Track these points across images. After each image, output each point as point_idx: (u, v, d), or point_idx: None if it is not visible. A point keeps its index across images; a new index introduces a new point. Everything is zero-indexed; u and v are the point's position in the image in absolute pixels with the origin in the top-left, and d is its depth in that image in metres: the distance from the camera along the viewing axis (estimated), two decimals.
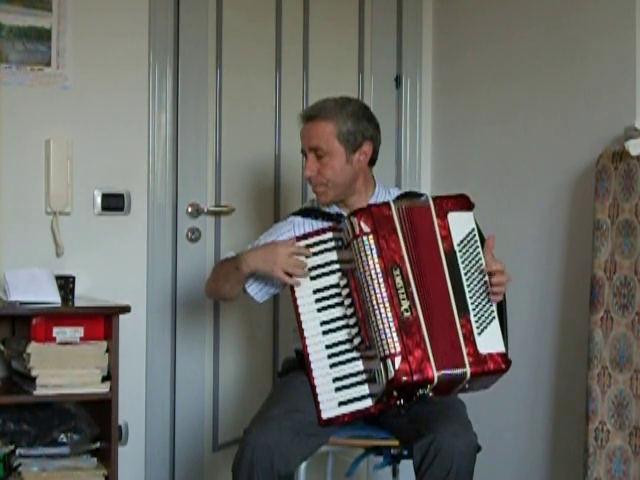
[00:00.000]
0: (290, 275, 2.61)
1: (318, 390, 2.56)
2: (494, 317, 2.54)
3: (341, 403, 2.54)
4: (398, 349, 2.43)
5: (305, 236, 2.67)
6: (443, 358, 2.45)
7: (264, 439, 2.44)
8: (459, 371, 2.46)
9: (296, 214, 2.85)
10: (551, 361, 3.24)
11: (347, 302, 2.57)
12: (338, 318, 2.58)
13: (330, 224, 2.70)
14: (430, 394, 2.46)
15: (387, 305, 2.46)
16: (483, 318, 2.52)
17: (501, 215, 3.43)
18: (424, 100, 3.90)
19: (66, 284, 3.14)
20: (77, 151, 3.36)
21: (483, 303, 2.54)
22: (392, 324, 2.45)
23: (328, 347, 2.57)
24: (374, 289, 2.47)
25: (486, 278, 2.54)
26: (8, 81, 3.29)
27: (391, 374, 2.41)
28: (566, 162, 3.20)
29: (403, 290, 2.48)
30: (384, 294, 2.47)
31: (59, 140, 3.32)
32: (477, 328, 2.51)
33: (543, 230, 3.29)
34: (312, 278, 2.62)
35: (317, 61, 3.77)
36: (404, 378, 2.41)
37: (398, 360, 2.42)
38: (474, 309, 2.52)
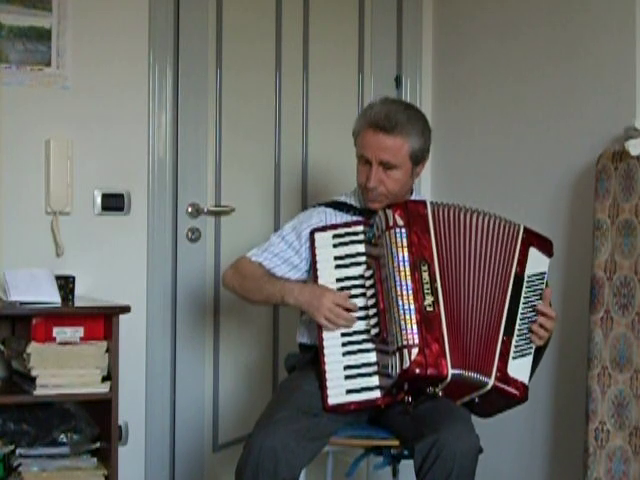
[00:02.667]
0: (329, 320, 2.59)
1: (328, 375, 2.55)
2: (530, 353, 2.59)
3: (349, 391, 2.53)
4: (416, 341, 2.42)
5: (336, 226, 2.67)
6: (463, 359, 2.46)
7: (270, 442, 2.43)
8: (482, 378, 2.48)
9: (327, 205, 2.83)
10: (551, 361, 3.23)
11: (370, 293, 2.56)
12: (358, 308, 2.58)
13: (361, 218, 2.71)
14: (440, 393, 2.46)
15: (411, 297, 2.46)
16: (522, 348, 2.57)
17: (501, 214, 3.42)
18: (424, 100, 3.90)
19: (66, 284, 3.14)
20: (77, 151, 3.35)
21: (527, 336, 2.59)
22: (413, 317, 2.44)
23: (344, 335, 2.57)
24: (400, 281, 2.47)
25: (536, 318, 2.59)
26: (8, 81, 3.28)
27: (406, 364, 2.40)
28: (566, 162, 3.20)
29: (429, 286, 2.48)
30: (409, 286, 2.47)
31: (59, 140, 3.32)
32: (514, 353, 2.54)
33: (543, 230, 3.28)
34: (336, 267, 2.61)
35: (317, 61, 3.76)
36: (418, 370, 2.40)
37: (415, 351, 2.41)
38: (518, 335, 2.56)
